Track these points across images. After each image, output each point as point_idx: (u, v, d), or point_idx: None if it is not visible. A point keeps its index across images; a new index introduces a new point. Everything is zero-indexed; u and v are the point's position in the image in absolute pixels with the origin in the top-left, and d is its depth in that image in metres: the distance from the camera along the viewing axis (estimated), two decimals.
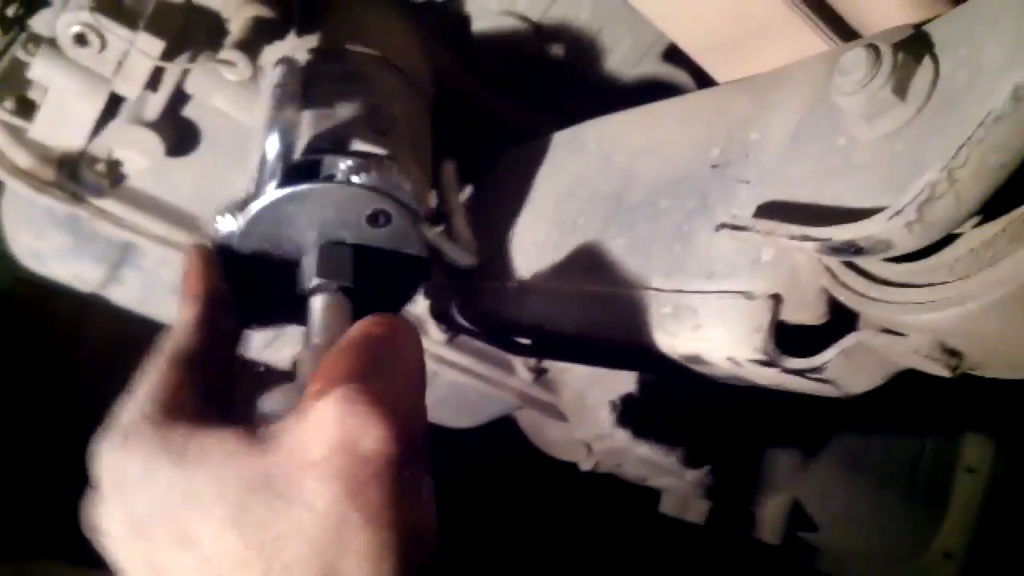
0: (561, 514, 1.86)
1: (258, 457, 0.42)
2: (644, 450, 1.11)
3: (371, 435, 0.42)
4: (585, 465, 1.21)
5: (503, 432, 1.41)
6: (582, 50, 0.92)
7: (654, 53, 0.94)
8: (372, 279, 0.60)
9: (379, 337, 0.49)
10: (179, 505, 0.42)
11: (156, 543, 0.42)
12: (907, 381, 0.57)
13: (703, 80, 0.85)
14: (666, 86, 0.94)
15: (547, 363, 1.16)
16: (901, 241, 0.41)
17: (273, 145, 0.61)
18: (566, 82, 0.93)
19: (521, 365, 1.16)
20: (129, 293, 1.07)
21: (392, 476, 0.42)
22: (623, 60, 0.93)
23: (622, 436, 1.09)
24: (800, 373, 0.55)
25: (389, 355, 0.48)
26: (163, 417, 0.45)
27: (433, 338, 1.07)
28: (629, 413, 1.08)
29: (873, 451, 1.32)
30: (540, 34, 0.89)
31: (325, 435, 0.42)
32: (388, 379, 0.46)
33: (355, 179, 0.61)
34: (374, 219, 0.61)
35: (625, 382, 1.11)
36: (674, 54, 0.95)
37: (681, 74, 0.96)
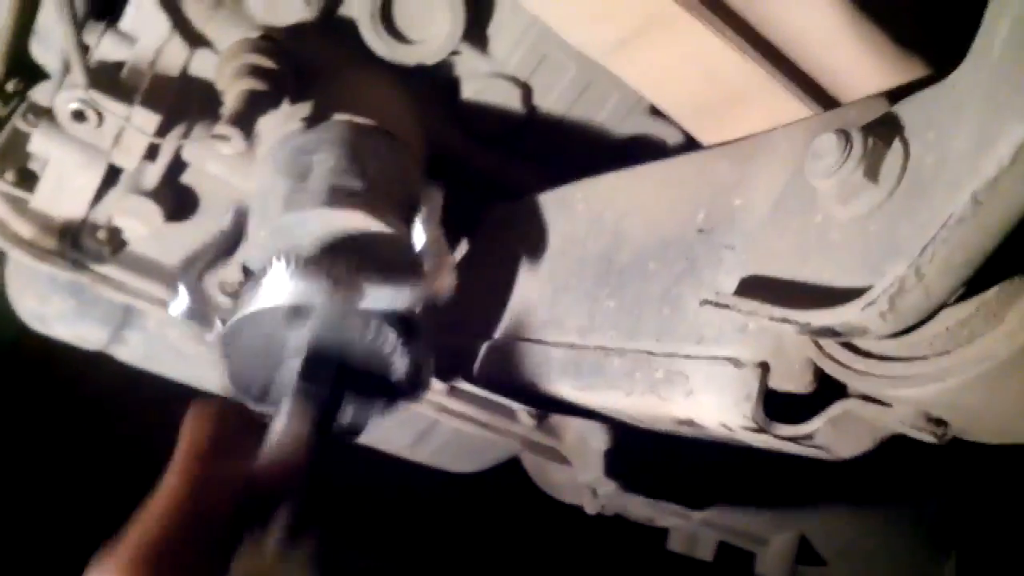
0: (570, 552, 1.85)
1: None
2: (638, 501, 1.12)
3: None
4: (591, 509, 1.21)
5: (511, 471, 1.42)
6: (570, 108, 0.94)
7: (641, 109, 0.95)
8: (355, 385, 0.62)
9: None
10: None
11: None
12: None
13: (691, 135, 0.86)
14: (655, 141, 0.95)
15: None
16: (875, 327, 0.42)
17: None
18: (556, 139, 0.94)
19: (523, 411, 1.16)
20: (133, 352, 1.09)
21: None
22: (611, 117, 0.95)
23: (615, 487, 1.09)
24: (791, 439, 0.55)
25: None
26: None
27: (434, 388, 1.08)
28: (621, 463, 1.09)
29: (880, 483, 1.32)
30: (529, 94, 0.91)
31: None
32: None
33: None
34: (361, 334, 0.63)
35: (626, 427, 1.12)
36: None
37: (670, 129, 0.97)
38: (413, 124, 0.87)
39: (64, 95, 0.80)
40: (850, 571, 1.36)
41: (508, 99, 0.90)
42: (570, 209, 0.81)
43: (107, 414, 1.84)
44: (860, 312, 0.41)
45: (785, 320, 0.46)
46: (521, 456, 1.36)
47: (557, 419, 1.20)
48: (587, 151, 0.94)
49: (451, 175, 0.94)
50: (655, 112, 0.95)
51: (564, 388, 0.73)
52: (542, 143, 0.94)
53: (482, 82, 0.89)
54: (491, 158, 0.95)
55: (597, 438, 1.15)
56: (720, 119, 0.70)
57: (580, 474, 1.19)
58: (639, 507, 1.24)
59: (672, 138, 0.94)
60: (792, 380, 0.55)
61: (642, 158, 0.78)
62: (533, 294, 0.82)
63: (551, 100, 0.92)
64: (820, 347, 0.53)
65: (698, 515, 1.24)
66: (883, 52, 0.61)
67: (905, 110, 0.48)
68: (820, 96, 0.65)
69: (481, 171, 0.95)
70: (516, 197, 0.91)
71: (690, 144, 0.84)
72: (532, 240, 0.85)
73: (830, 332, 0.44)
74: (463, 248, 0.97)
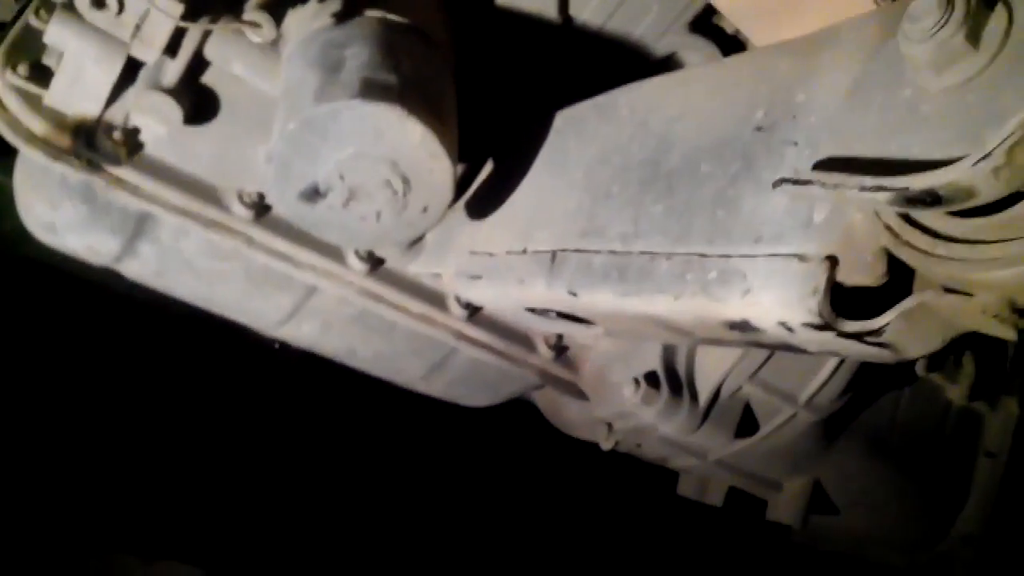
0: (578, 496, 1.85)
1: None
2: (667, 428, 1.10)
3: None
4: (606, 444, 1.19)
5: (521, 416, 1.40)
6: (607, 21, 0.90)
7: (681, 23, 0.91)
8: None
9: None
10: None
11: None
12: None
13: (730, 53, 0.83)
14: (694, 57, 0.92)
15: (568, 340, 1.14)
16: (986, 188, 0.39)
17: None
18: (592, 51, 0.91)
19: (541, 342, 1.14)
20: (145, 267, 1.05)
21: None
22: (649, 31, 0.91)
23: (646, 413, 1.07)
24: (857, 337, 0.53)
25: None
26: None
27: (453, 314, 1.05)
28: (652, 390, 1.07)
29: (894, 434, 1.31)
30: (565, 2, 0.87)
31: None
32: None
33: None
34: None
35: (648, 358, 1.09)
36: (701, 25, 0.93)
37: (708, 45, 0.93)
38: (445, 26, 0.84)
39: None
40: (864, 518, 1.35)
41: (544, 5, 0.87)
42: (612, 116, 0.78)
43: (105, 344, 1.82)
44: (971, 169, 0.38)
45: (879, 188, 0.43)
46: (535, 396, 1.34)
47: (575, 352, 1.17)
48: (623, 66, 0.91)
49: (481, 85, 0.91)
50: (694, 28, 0.92)
51: (605, 296, 0.70)
52: (578, 55, 0.91)
53: None
54: (525, 68, 0.91)
55: (616, 371, 1.13)
56: (778, 18, 0.67)
57: (597, 408, 1.17)
58: (654, 445, 1.22)
59: (710, 55, 0.90)
60: (862, 272, 0.53)
61: None
62: (571, 203, 0.79)
63: (589, 10, 0.89)
64: (895, 234, 0.50)
65: (714, 455, 1.22)
66: None
67: None
68: None
69: (514, 82, 0.92)
70: (549, 111, 0.88)
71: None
72: (570, 150, 0.82)
73: (931, 199, 0.42)
74: (494, 161, 0.94)
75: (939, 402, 1.36)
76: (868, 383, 1.18)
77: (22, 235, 1.05)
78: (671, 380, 1.09)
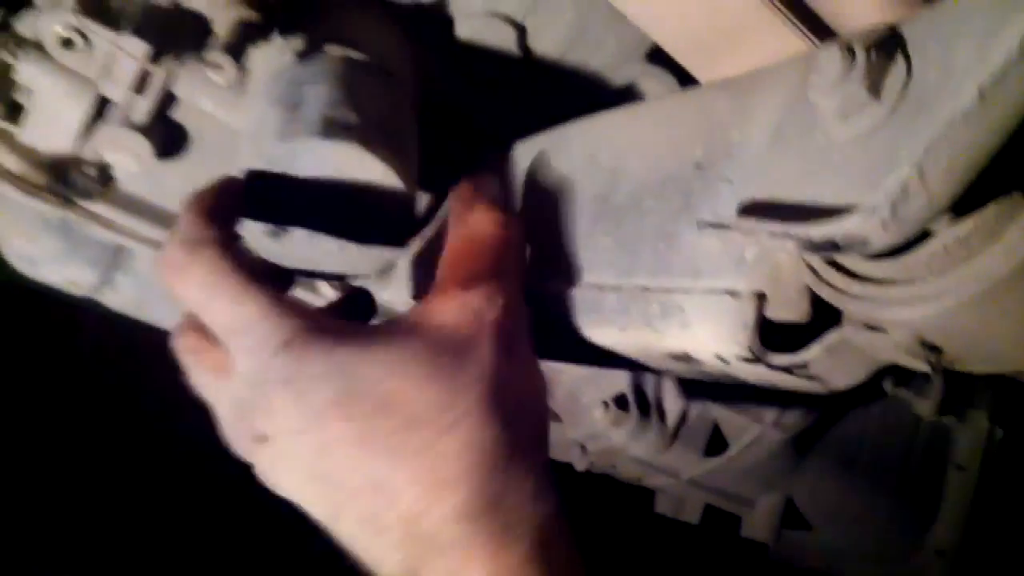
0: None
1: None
2: (637, 449, 1.12)
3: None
4: (580, 466, 1.21)
5: None
6: (565, 53, 0.93)
7: (637, 55, 0.94)
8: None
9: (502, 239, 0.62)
10: (375, 378, 0.50)
11: (350, 418, 0.49)
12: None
13: (687, 83, 0.86)
14: (649, 89, 0.94)
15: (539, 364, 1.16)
16: (876, 238, 0.41)
17: None
18: (550, 85, 0.93)
19: None
20: (123, 297, 1.07)
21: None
22: (606, 63, 0.94)
23: (616, 435, 1.09)
24: (786, 369, 0.55)
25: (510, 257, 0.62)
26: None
27: None
28: (621, 412, 1.09)
29: (865, 450, 1.33)
30: (524, 36, 0.90)
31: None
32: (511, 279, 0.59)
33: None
34: None
35: (618, 381, 1.12)
36: (658, 56, 0.95)
37: (664, 75, 0.96)
38: (407, 63, 0.86)
39: (52, 18, 0.78)
40: (834, 535, 1.37)
41: (503, 40, 0.89)
42: (565, 151, 0.80)
43: (92, 363, 1.83)
44: (861, 221, 0.41)
45: (785, 235, 0.46)
46: None
47: (547, 375, 1.19)
48: (581, 97, 0.93)
49: (445, 118, 0.94)
50: (650, 59, 0.95)
51: (557, 327, 0.72)
52: (537, 87, 0.93)
53: (477, 22, 0.88)
54: (484, 101, 0.94)
55: (587, 393, 1.15)
56: (719, 56, 0.69)
57: (570, 430, 1.19)
58: (627, 465, 1.24)
59: (667, 86, 0.93)
60: (788, 309, 0.55)
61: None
62: (528, 238, 0.81)
63: (546, 43, 0.91)
64: (816, 273, 0.52)
65: (686, 475, 1.24)
66: None
67: (908, 27, 0.47)
68: (822, 33, 0.64)
69: (475, 117, 0.94)
70: (509, 142, 0.90)
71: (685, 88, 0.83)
72: (525, 184, 0.84)
73: (831, 246, 0.44)
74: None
75: (908, 417, 1.38)
76: (835, 401, 1.21)
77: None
78: (640, 402, 1.12)
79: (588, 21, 0.89)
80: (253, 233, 0.79)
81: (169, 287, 0.58)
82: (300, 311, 0.54)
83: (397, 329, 0.53)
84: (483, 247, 0.60)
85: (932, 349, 0.49)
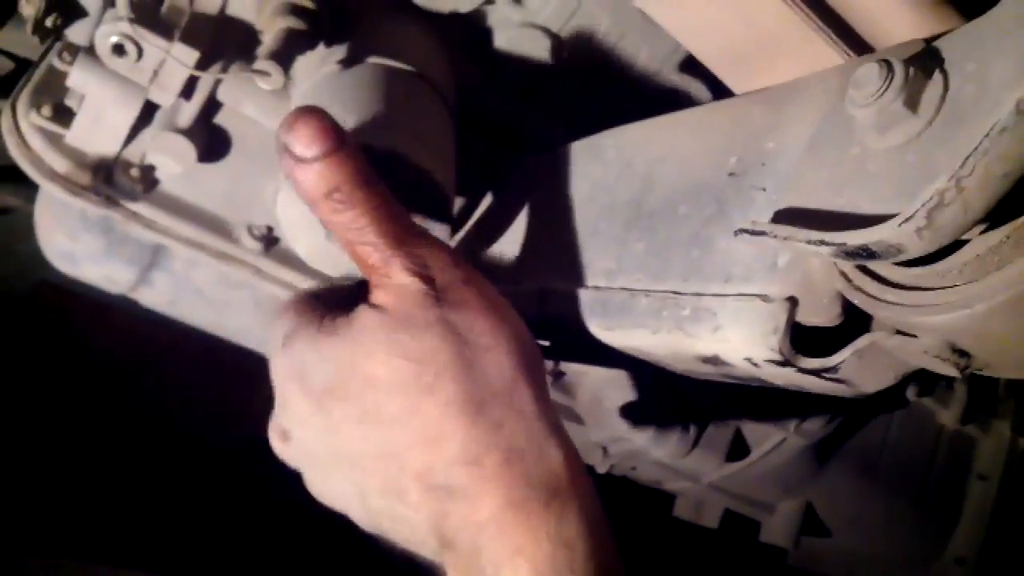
0: None
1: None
2: (659, 452, 1.13)
3: None
4: (601, 468, 1.22)
5: None
6: (601, 61, 0.95)
7: (671, 64, 0.96)
8: None
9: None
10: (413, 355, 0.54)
11: (346, 398, 0.54)
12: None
13: (719, 92, 0.88)
14: (682, 98, 0.96)
15: (564, 366, 1.18)
16: (911, 245, 0.43)
17: None
18: (586, 92, 0.95)
19: None
20: (158, 295, 1.10)
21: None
22: (641, 71, 0.96)
23: (638, 438, 1.11)
24: (815, 373, 0.57)
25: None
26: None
27: None
28: (645, 415, 1.10)
29: (885, 456, 1.34)
30: (560, 46, 0.92)
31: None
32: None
33: None
34: None
35: (641, 384, 1.13)
36: (690, 66, 0.97)
37: (698, 85, 0.98)
38: (446, 72, 0.89)
39: (106, 28, 0.81)
40: (854, 542, 1.38)
41: (539, 50, 0.91)
42: (600, 157, 0.82)
43: (118, 366, 1.87)
44: (897, 229, 0.42)
45: (821, 242, 0.47)
46: None
47: (571, 378, 1.21)
48: (616, 105, 0.95)
49: (481, 125, 0.96)
50: (684, 68, 0.97)
51: (592, 328, 0.74)
52: (572, 96, 0.96)
53: (514, 32, 0.91)
54: (521, 109, 0.96)
55: (610, 396, 1.17)
56: (755, 67, 0.71)
57: (593, 432, 1.21)
58: (648, 469, 1.26)
59: (700, 95, 0.95)
60: (820, 314, 0.57)
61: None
62: (561, 241, 0.83)
63: (582, 53, 0.93)
64: (848, 279, 0.54)
65: (707, 479, 1.25)
66: (921, 1, 0.62)
67: (945, 44, 0.49)
68: (856, 45, 0.66)
69: (511, 123, 0.97)
70: (545, 149, 0.93)
71: (718, 98, 0.85)
72: (561, 189, 0.86)
73: (866, 253, 0.46)
74: (489, 200, 0.98)
75: (931, 426, 1.39)
76: (858, 408, 1.22)
77: (38, 258, 1.10)
78: (663, 405, 1.13)
79: (623, 32, 0.91)
80: (313, 234, 0.79)
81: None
82: (298, 309, 0.59)
83: (361, 316, 0.56)
84: (376, 225, 0.57)
85: (962, 354, 0.50)
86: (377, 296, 0.56)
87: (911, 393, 1.27)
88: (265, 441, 0.62)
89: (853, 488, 1.32)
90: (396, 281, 0.56)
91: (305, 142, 0.52)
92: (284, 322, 0.58)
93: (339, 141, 0.53)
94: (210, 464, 1.85)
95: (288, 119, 0.53)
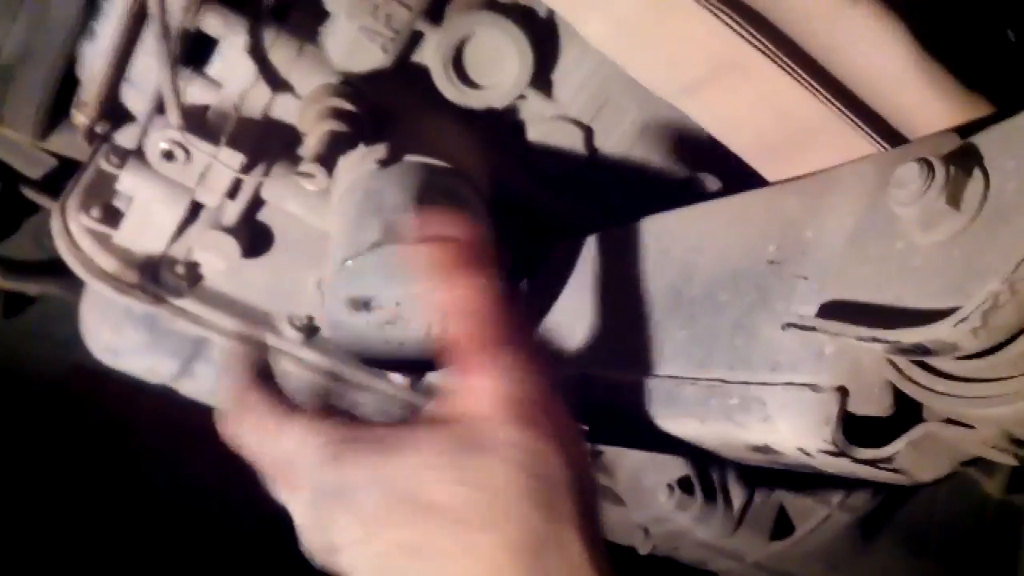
0: None
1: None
2: (703, 532, 1.12)
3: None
4: (643, 549, 1.21)
5: None
6: (630, 150, 0.97)
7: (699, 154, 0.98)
8: None
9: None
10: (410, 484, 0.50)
11: (398, 525, 0.50)
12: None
13: (739, 184, 0.88)
14: (711, 182, 0.98)
15: (601, 446, 1.18)
16: (967, 344, 0.44)
17: None
18: (617, 180, 0.97)
19: None
20: (199, 386, 1.12)
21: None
22: (668, 157, 0.98)
23: (681, 519, 1.09)
24: (870, 463, 0.57)
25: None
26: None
27: None
28: (687, 495, 1.09)
29: (934, 530, 1.31)
30: (591, 136, 0.94)
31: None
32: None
33: None
34: None
35: (681, 464, 1.13)
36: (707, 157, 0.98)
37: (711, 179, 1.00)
38: (481, 165, 0.91)
39: (157, 135, 0.85)
40: None
41: (571, 141, 0.94)
42: (636, 245, 0.84)
43: (151, 452, 1.87)
44: (952, 328, 0.43)
45: (875, 340, 0.48)
46: None
47: (610, 458, 1.21)
48: (646, 192, 0.97)
49: (515, 215, 0.98)
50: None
51: (638, 416, 0.75)
52: (603, 184, 0.98)
53: (546, 125, 0.93)
54: (554, 197, 0.98)
55: (650, 476, 1.16)
56: (788, 157, 0.73)
57: (633, 513, 1.20)
58: (691, 548, 1.24)
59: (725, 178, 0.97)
60: (871, 404, 0.57)
61: (699, 198, 0.81)
62: (601, 327, 0.84)
63: (612, 142, 0.96)
64: (899, 370, 0.54)
65: (751, 558, 1.23)
66: (949, 91, 0.63)
67: (982, 141, 0.50)
68: (886, 135, 0.67)
69: (544, 212, 0.99)
70: (578, 236, 0.94)
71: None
72: (598, 274, 0.88)
73: (920, 350, 0.46)
74: (526, 286, 1.00)
75: (977, 496, 1.36)
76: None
77: (73, 342, 1.12)
78: (705, 485, 1.12)
79: (651, 118, 0.93)
80: (338, 298, 0.80)
81: (236, 447, 0.60)
82: (337, 424, 0.56)
83: (421, 430, 0.53)
84: (473, 317, 0.55)
85: (1020, 444, 0.50)
86: (445, 405, 0.54)
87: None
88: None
89: (901, 564, 1.29)
90: (476, 388, 0.52)
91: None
92: (321, 440, 0.55)
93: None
94: (244, 553, 1.84)
95: None
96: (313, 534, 0.55)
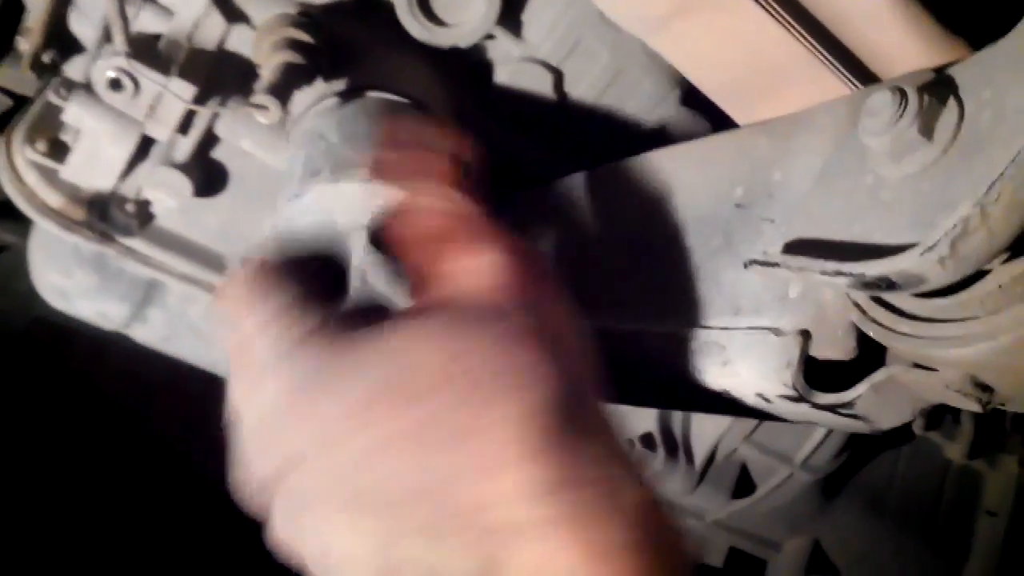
0: None
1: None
2: (664, 489, 1.11)
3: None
4: None
5: None
6: (601, 96, 0.94)
7: (672, 98, 0.96)
8: None
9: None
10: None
11: (391, 413, 0.43)
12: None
13: (720, 126, 0.87)
14: (683, 131, 0.96)
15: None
16: (934, 275, 0.42)
17: None
18: (586, 127, 0.95)
19: None
20: (153, 332, 1.08)
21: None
22: (641, 105, 0.95)
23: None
24: (830, 408, 0.55)
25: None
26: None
27: None
28: (648, 452, 1.08)
29: (894, 493, 1.31)
30: (561, 80, 0.91)
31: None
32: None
33: None
34: None
35: (645, 420, 1.11)
36: (691, 100, 0.97)
37: (698, 119, 0.97)
38: (445, 106, 0.88)
39: (103, 63, 0.80)
40: None
41: (540, 84, 0.91)
42: (602, 190, 0.81)
43: (114, 402, 1.85)
44: (919, 258, 0.41)
45: (838, 273, 0.46)
46: None
47: None
48: (616, 139, 0.95)
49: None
50: (685, 102, 0.96)
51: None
52: (572, 130, 0.95)
53: (514, 67, 0.90)
54: (521, 143, 0.95)
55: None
56: (759, 99, 0.70)
57: None
58: None
59: (701, 128, 0.94)
60: (834, 347, 0.55)
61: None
62: (563, 276, 0.81)
63: (582, 87, 0.93)
64: (863, 311, 0.53)
65: (712, 516, 1.23)
66: (927, 32, 0.61)
67: (958, 72, 0.48)
68: (862, 76, 0.65)
69: (510, 157, 0.96)
70: (545, 183, 0.92)
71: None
72: (562, 223, 0.85)
73: (885, 283, 0.44)
74: None
75: (938, 461, 1.37)
76: (865, 443, 1.20)
77: (34, 295, 1.08)
78: (667, 442, 1.11)
79: (623, 66, 0.91)
80: None
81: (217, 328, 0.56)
82: (324, 306, 0.50)
83: (419, 311, 0.48)
84: (456, 214, 0.55)
85: (984, 389, 0.49)
86: (444, 287, 0.49)
87: (918, 427, 1.25)
88: None
89: (861, 525, 1.30)
90: (469, 263, 0.49)
91: None
92: (308, 315, 0.48)
93: None
94: (208, 500, 1.82)
95: None
96: (263, 447, 0.47)
